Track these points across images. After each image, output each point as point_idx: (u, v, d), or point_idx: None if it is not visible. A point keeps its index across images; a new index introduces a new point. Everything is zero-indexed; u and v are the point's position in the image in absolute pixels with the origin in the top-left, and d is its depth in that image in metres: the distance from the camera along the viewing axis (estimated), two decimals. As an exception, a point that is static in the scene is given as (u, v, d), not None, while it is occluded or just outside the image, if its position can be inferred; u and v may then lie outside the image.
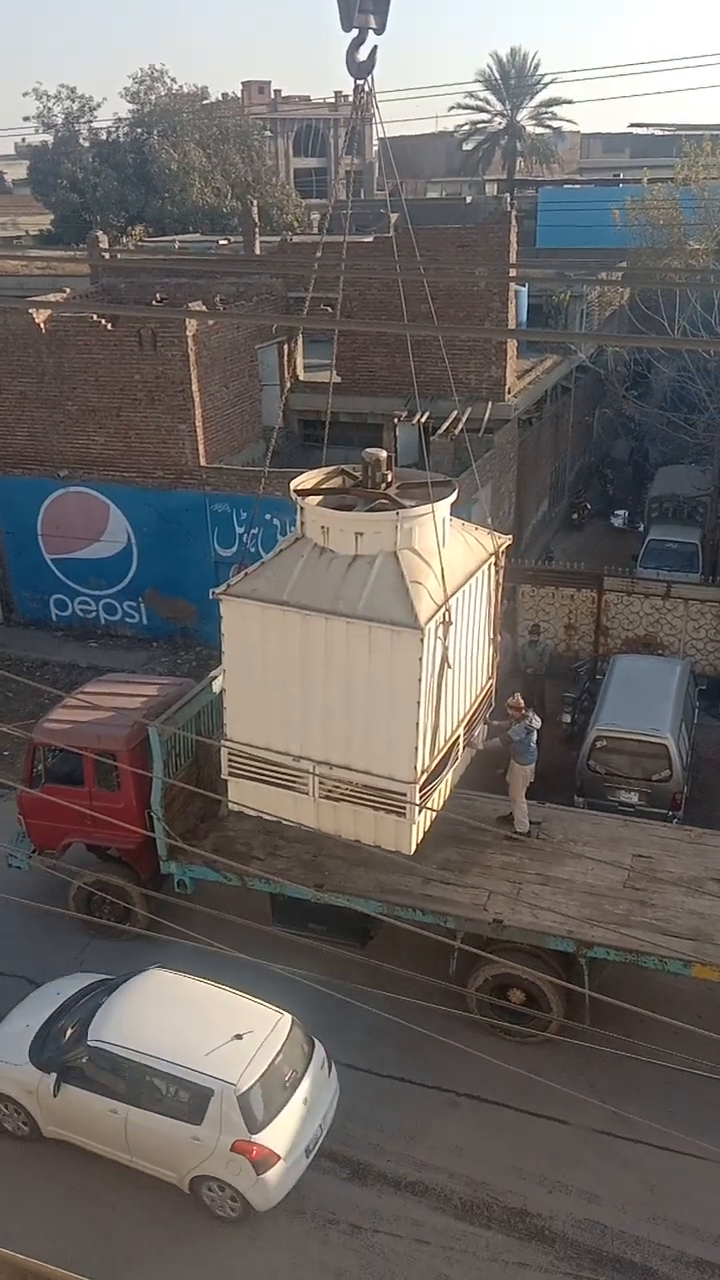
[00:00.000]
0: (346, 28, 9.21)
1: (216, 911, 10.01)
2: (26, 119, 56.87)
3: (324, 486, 11.62)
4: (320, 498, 11.31)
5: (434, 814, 11.15)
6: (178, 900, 11.62)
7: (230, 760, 11.56)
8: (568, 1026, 10.65)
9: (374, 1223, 9.54)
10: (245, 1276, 9.12)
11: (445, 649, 10.64)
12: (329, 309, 18.83)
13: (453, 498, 11.28)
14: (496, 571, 12.28)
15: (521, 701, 12.66)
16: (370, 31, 9.27)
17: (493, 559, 12.10)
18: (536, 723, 12.42)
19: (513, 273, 21.78)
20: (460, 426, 19.01)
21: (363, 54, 9.40)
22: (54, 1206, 9.77)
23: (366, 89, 9.68)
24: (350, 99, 9.85)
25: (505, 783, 12.54)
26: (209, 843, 12.32)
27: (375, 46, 9.41)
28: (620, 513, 26.86)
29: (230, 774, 11.67)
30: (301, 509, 11.13)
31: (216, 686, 12.69)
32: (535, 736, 12.35)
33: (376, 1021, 9.57)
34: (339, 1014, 10.15)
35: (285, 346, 23.34)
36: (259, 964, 9.43)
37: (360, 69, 9.48)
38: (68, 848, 13.13)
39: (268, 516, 17.90)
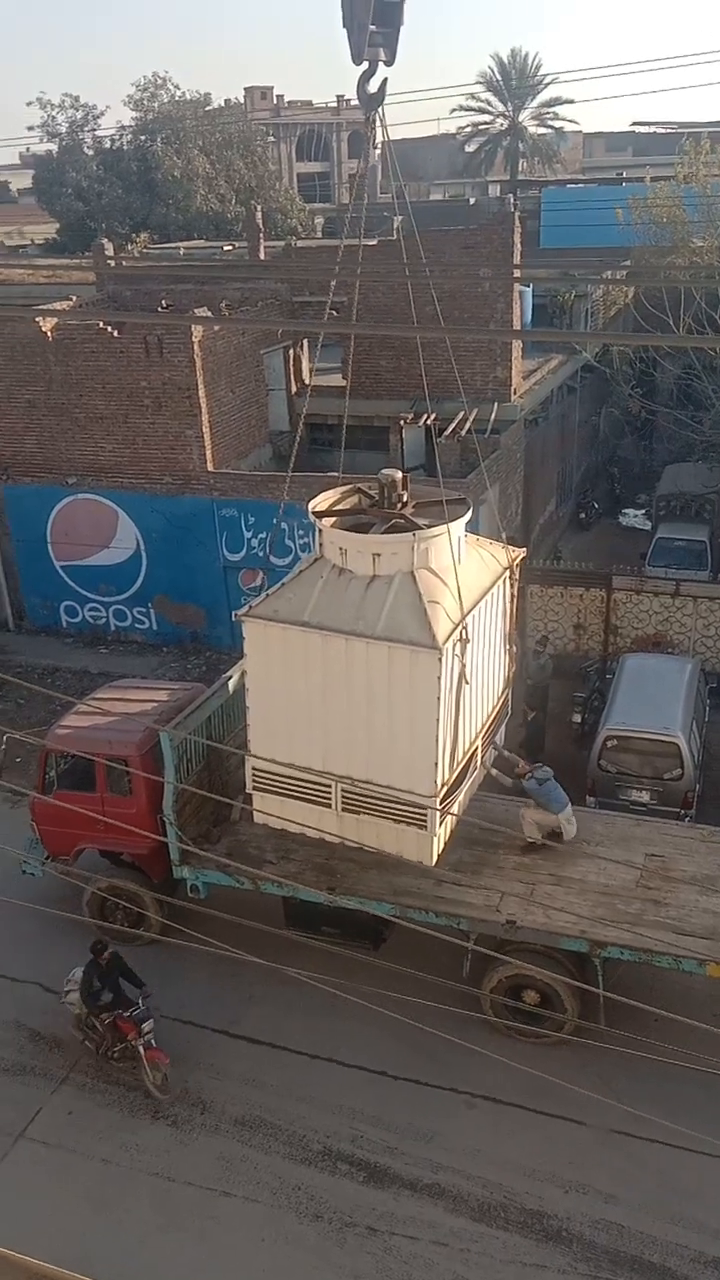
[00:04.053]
0: (357, 61, 9.06)
1: (229, 915, 10.02)
2: (31, 128, 57.25)
3: (340, 507, 11.72)
4: (337, 519, 11.39)
5: (454, 824, 11.18)
6: (191, 905, 11.64)
7: (254, 775, 11.64)
8: (582, 1027, 10.62)
9: (391, 1225, 9.54)
10: (263, 1280, 9.13)
11: (463, 666, 10.70)
12: (335, 312, 18.87)
13: (468, 516, 11.35)
14: (511, 585, 12.35)
15: (523, 764, 12.30)
16: (380, 64, 9.16)
17: (507, 573, 12.16)
18: (547, 773, 12.01)
19: (517, 274, 21.78)
20: (466, 428, 19.02)
21: (373, 86, 9.31)
22: (67, 1211, 9.79)
23: (377, 120, 9.56)
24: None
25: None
26: (221, 847, 12.34)
27: (385, 79, 9.32)
28: (629, 511, 26.81)
29: (255, 788, 11.75)
30: (320, 530, 11.22)
31: (230, 688, 12.76)
32: (552, 783, 11.87)
33: (390, 1024, 9.56)
34: (352, 1017, 10.15)
35: (291, 351, 23.38)
36: (273, 967, 9.41)
37: (371, 101, 9.40)
38: (80, 854, 13.17)
39: (275, 520, 17.93)
